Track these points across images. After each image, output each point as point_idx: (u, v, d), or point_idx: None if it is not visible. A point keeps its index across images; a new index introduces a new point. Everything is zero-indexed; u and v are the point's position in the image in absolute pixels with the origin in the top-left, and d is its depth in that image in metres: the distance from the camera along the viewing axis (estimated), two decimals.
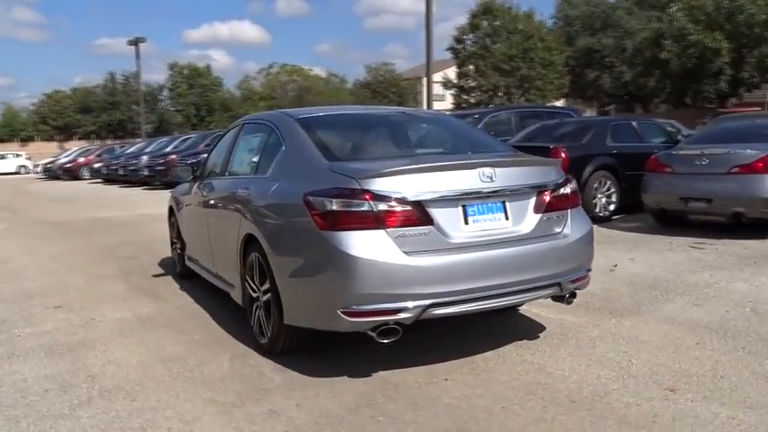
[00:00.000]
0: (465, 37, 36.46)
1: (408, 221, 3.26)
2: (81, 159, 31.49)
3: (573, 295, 3.80)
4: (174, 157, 19.58)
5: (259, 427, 3.00)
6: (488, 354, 3.86)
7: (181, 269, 6.35)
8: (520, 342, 4.04)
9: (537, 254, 3.55)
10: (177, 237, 6.37)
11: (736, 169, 7.42)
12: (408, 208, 3.26)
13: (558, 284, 3.64)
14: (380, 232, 3.22)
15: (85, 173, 29.59)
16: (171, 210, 6.58)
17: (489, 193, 3.48)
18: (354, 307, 3.21)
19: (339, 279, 3.21)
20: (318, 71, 59.79)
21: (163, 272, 6.80)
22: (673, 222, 8.37)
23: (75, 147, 41.89)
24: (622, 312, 4.62)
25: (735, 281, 5.51)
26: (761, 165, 7.29)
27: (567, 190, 3.80)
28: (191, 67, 63.00)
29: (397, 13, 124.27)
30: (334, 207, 3.26)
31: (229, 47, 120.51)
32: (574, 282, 3.74)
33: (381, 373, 3.60)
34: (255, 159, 4.44)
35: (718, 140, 8.21)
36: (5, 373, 3.90)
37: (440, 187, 3.35)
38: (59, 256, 8.23)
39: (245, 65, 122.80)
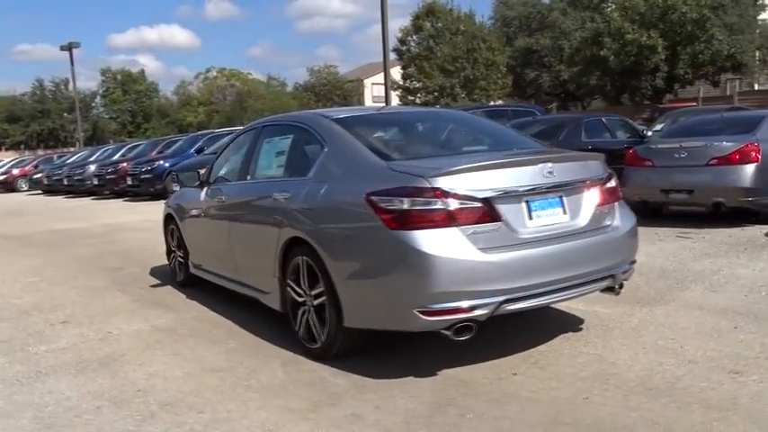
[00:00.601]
0: (409, 38, 36.73)
1: (479, 218, 3.26)
2: (16, 171, 30.19)
3: (621, 286, 3.88)
4: (125, 165, 18.94)
5: None
6: (542, 347, 3.90)
7: (183, 278, 6.15)
8: (566, 335, 4.10)
9: (594, 247, 3.62)
10: (178, 245, 6.16)
11: (714, 161, 7.76)
12: (479, 205, 3.27)
13: (613, 276, 3.72)
14: (454, 230, 3.21)
15: (23, 184, 28.34)
16: (168, 218, 6.36)
17: (549, 188, 3.53)
18: (431, 306, 3.19)
19: (416, 278, 3.18)
20: (258, 75, 58.98)
21: (159, 282, 6.57)
22: (652, 214, 8.67)
23: (3, 158, 39.93)
24: (648, 301, 4.75)
25: (736, 267, 5.75)
26: (738, 156, 7.66)
27: (612, 183, 3.90)
28: (124, 73, 61.08)
29: (329, 15, 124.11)
30: (406, 206, 3.22)
31: (158, 51, 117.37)
32: (624, 273, 3.83)
33: (445, 372, 3.59)
34: (288, 162, 4.35)
35: (692, 134, 8.56)
36: (43, 392, 3.69)
37: (506, 184, 3.37)
38: (34, 270, 7.82)
39: (175, 69, 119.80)
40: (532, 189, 3.46)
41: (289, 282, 4.07)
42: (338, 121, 4.14)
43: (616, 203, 3.89)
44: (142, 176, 17.52)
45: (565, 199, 3.60)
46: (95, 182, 20.29)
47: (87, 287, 6.58)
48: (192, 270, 5.88)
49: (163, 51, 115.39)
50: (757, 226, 7.75)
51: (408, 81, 36.59)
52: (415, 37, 35.96)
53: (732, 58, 27.50)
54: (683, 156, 8.01)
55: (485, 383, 3.40)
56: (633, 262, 3.98)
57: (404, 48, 37.02)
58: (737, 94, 28.58)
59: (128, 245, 9.48)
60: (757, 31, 32.20)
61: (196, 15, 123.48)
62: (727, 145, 7.77)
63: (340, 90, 42.09)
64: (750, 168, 7.57)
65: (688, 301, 4.73)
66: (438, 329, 3.27)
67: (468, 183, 3.27)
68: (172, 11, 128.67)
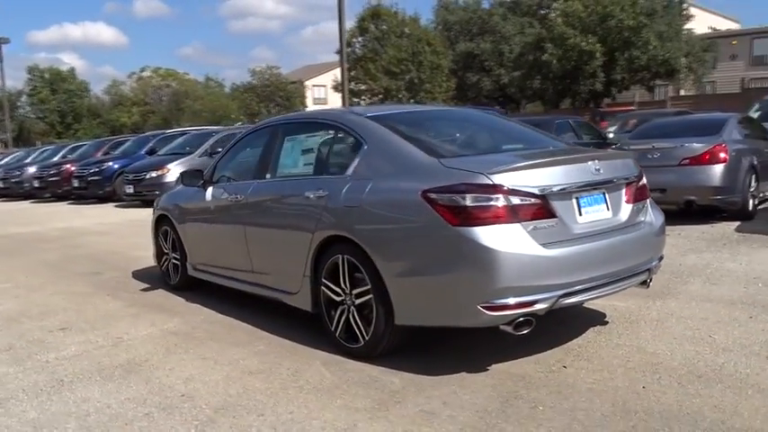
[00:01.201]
0: (354, 40, 36.73)
1: (538, 214, 3.32)
2: None
3: (651, 280, 4.02)
4: (68, 167, 18.16)
5: (429, 428, 2.93)
6: (577, 341, 3.99)
7: (178, 281, 5.96)
8: (595, 328, 4.21)
9: (634, 242, 3.74)
10: (173, 247, 5.97)
11: (686, 161, 8.13)
12: (538, 201, 3.32)
13: (649, 270, 3.86)
14: (516, 226, 3.25)
15: None
16: (161, 220, 6.14)
17: (596, 185, 3.62)
18: (495, 301, 3.22)
19: (481, 274, 3.20)
20: (195, 75, 57.64)
21: (149, 285, 6.34)
22: None
23: None
24: (659, 295, 4.92)
25: (723, 261, 6.05)
26: (708, 156, 8.05)
27: (644, 181, 4.04)
28: (53, 71, 58.47)
29: (262, 16, 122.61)
30: (469, 203, 3.24)
31: (82, 49, 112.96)
32: (656, 267, 3.97)
33: (495, 367, 3.62)
34: (319, 160, 4.29)
35: (662, 136, 8.93)
36: (76, 401, 3.51)
37: (560, 180, 3.44)
38: (2, 276, 7.40)
39: (101, 68, 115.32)
40: (583, 186, 3.54)
41: (324, 281, 4.01)
42: (374, 118, 4.12)
43: (648, 200, 4.03)
44: (90, 178, 16.83)
45: (607, 196, 3.71)
46: (36, 184, 19.35)
47: (71, 293, 6.28)
48: (192, 272, 5.71)
49: (88, 49, 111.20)
50: (724, 223, 8.17)
51: (353, 83, 36.53)
52: (360, 39, 35.99)
53: (666, 63, 28.83)
54: (655, 156, 8.35)
55: (540, 377, 3.45)
56: (661, 257, 4.12)
57: (349, 49, 36.93)
58: (669, 99, 29.96)
59: (94, 249, 9.10)
60: (684, 40, 33.88)
61: (123, 13, 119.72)
62: (697, 146, 8.15)
63: (283, 92, 41.67)
64: (719, 168, 7.97)
65: (694, 294, 4.93)
66: (500, 324, 3.30)
67: (526, 179, 3.32)
68: (98, 8, 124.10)
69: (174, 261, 5.99)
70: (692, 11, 38.33)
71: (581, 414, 2.98)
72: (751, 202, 8.39)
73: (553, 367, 3.58)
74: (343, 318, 3.92)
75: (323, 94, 57.52)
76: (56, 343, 4.63)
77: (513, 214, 3.25)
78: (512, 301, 3.22)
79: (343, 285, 3.88)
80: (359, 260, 3.71)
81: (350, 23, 42.81)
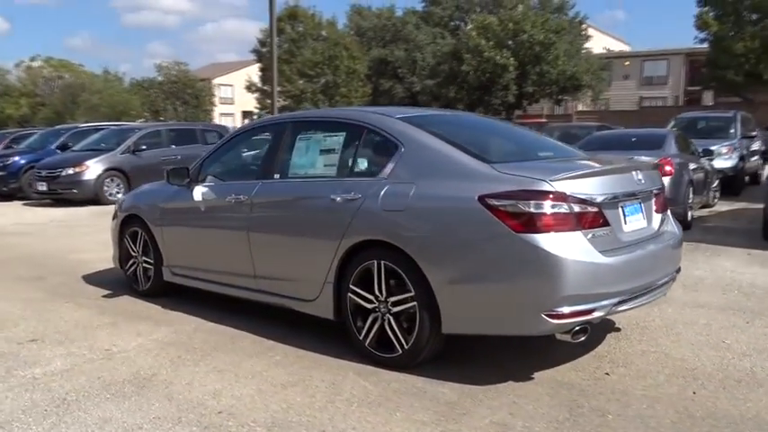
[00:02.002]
0: (269, 40, 35.95)
1: (596, 222, 3.33)
2: None
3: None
4: None
5: None
6: (602, 347, 4.03)
7: (149, 287, 5.53)
8: (612, 335, 4.28)
9: (664, 251, 3.83)
10: (144, 251, 5.53)
11: None
12: (595, 209, 3.33)
13: (674, 278, 3.97)
14: (578, 233, 3.24)
15: None
16: (129, 220, 5.68)
17: (636, 194, 3.68)
18: (559, 309, 3.18)
19: (547, 281, 3.16)
20: (92, 68, 54.40)
21: (110, 291, 5.84)
22: None
23: None
24: (652, 303, 5.06)
25: (688, 269, 6.30)
26: (657, 170, 8.45)
27: (664, 193, 4.16)
28: None
29: (158, 10, 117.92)
30: (534, 209, 3.19)
31: None
32: (675, 277, 4.09)
33: (539, 375, 3.59)
34: (343, 161, 4.09)
35: (608, 149, 9.31)
36: (96, 422, 3.14)
37: (611, 189, 3.47)
38: None
39: None
40: (628, 195, 3.59)
41: (351, 288, 3.84)
42: (405, 120, 4.00)
43: (668, 211, 4.15)
44: None
45: (643, 205, 3.78)
46: None
47: (22, 299, 5.68)
48: (169, 278, 5.32)
49: None
50: None
51: (267, 84, 35.82)
52: (276, 39, 35.25)
53: (573, 79, 30.33)
54: None
55: (588, 384, 3.45)
56: (679, 269, 4.23)
57: (264, 50, 36.24)
58: (575, 113, 31.55)
59: (22, 251, 8.30)
60: (584, 59, 35.80)
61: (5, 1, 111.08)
62: (646, 159, 8.54)
63: (191, 89, 40.15)
64: (667, 181, 8.39)
65: (682, 301, 5.14)
66: (560, 332, 3.27)
67: (584, 187, 3.33)
68: None
69: (146, 265, 5.56)
70: (590, 31, 40.68)
71: (652, 421, 3.00)
72: (690, 213, 8.91)
73: (595, 374, 3.59)
74: (376, 326, 3.75)
75: (230, 94, 56.08)
76: (33, 356, 4.15)
77: (575, 222, 3.24)
78: (574, 308, 3.20)
79: (377, 292, 3.72)
80: (401, 266, 3.57)
81: (264, 23, 42.10)
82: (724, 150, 12.26)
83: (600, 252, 3.28)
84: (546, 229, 3.18)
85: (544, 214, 3.19)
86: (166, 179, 5.11)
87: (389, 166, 3.80)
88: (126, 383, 3.64)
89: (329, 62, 34.50)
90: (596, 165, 3.72)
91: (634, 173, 3.68)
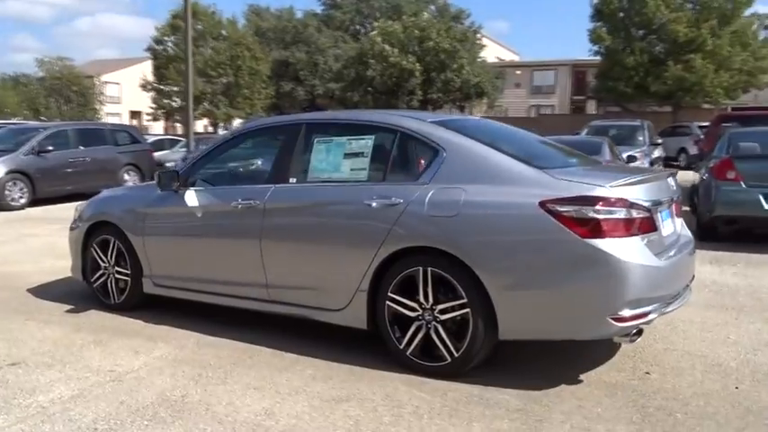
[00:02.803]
0: (166, 38, 34.47)
1: (649, 227, 3.41)
2: None
3: None
4: None
5: None
6: (628, 348, 4.12)
7: (123, 300, 5.10)
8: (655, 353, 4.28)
9: (689, 255, 3.98)
10: (120, 261, 5.09)
11: None
12: (648, 214, 3.41)
13: (693, 280, 4.15)
14: (637, 238, 3.31)
15: None
16: (99, 228, 5.21)
17: (667, 200, 3.82)
18: (623, 312, 3.23)
19: (613, 285, 3.21)
20: None
21: (72, 306, 5.30)
22: None
23: None
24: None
25: None
26: None
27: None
28: None
29: (26, 0, 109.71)
30: (599, 215, 3.23)
31: None
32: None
33: (585, 377, 3.64)
34: (376, 165, 3.95)
35: None
36: None
37: (656, 195, 3.57)
38: None
39: None
40: (665, 201, 3.72)
41: (391, 296, 3.72)
42: (442, 124, 3.94)
43: (681, 219, 4.33)
44: None
45: (669, 210, 3.93)
46: None
47: None
48: (152, 289, 4.93)
49: None
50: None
51: (164, 83, 34.32)
52: (173, 37, 33.85)
53: (477, 86, 31.33)
54: None
55: (636, 384, 3.53)
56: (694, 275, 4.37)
57: (160, 47, 34.65)
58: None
59: None
60: (480, 67, 37.09)
61: None
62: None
63: (77, 86, 37.60)
64: None
65: None
66: (621, 335, 3.32)
67: (638, 193, 3.41)
68: None
69: (120, 276, 5.11)
70: (484, 41, 42.23)
71: (719, 418, 3.11)
72: None
73: (637, 374, 3.69)
74: (420, 335, 3.65)
75: (117, 92, 53.12)
76: (25, 382, 3.70)
77: (634, 227, 3.31)
78: (635, 311, 3.27)
79: (421, 300, 3.63)
80: (451, 273, 3.50)
81: (161, 20, 40.20)
82: (637, 156, 13.07)
83: (654, 256, 3.36)
84: (610, 234, 3.23)
85: (609, 220, 3.24)
86: (158, 183, 4.73)
87: (431, 171, 3.71)
88: (157, 407, 3.32)
89: (231, 62, 33.51)
90: (638, 172, 3.80)
91: (669, 179, 3.81)
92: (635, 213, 3.32)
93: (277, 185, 4.25)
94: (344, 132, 4.19)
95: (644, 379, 3.62)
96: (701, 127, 21.22)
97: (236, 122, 33.05)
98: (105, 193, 5.66)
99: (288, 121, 4.57)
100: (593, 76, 31.28)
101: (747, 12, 25.95)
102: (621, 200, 3.29)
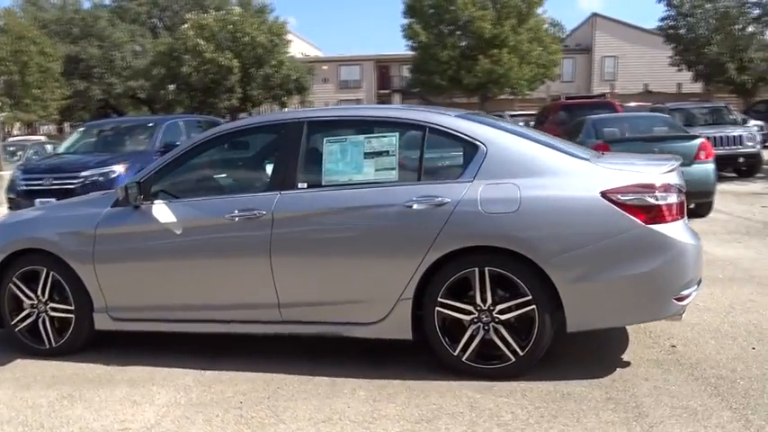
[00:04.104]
0: None
1: (684, 211, 3.60)
2: None
3: None
4: None
5: (717, 420, 2.96)
6: (633, 328, 4.33)
7: (66, 342, 4.26)
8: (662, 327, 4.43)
9: None
10: (56, 296, 4.25)
11: None
12: (683, 199, 3.59)
13: None
14: (681, 222, 3.48)
15: None
16: (12, 261, 4.29)
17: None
18: (683, 292, 3.40)
19: (677, 267, 3.35)
20: None
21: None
22: None
23: None
24: None
25: None
26: None
27: None
28: None
29: None
30: (659, 201, 3.34)
31: None
32: None
33: (627, 358, 3.77)
34: (407, 164, 3.70)
35: None
36: None
37: (681, 181, 3.76)
38: None
39: None
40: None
41: (442, 301, 3.53)
42: (467, 118, 3.81)
43: None
44: None
45: None
46: None
47: None
48: (108, 325, 4.19)
49: None
50: None
51: None
52: None
53: (297, 81, 31.00)
54: None
55: (675, 359, 3.74)
56: None
57: None
58: None
59: None
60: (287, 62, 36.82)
61: None
62: None
63: None
64: None
65: None
66: (680, 313, 3.47)
67: (676, 179, 3.58)
68: None
69: (58, 314, 4.26)
70: (289, 36, 42.05)
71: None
72: None
73: (666, 349, 3.90)
74: (477, 338, 3.51)
75: None
76: None
77: (680, 211, 3.48)
78: (689, 291, 3.45)
79: (478, 302, 3.49)
80: (513, 270, 3.42)
81: None
82: None
83: (693, 238, 3.56)
84: (669, 218, 3.37)
85: (666, 205, 3.37)
86: (124, 198, 3.99)
87: (473, 167, 3.57)
88: None
89: (14, 58, 29.58)
90: (665, 159, 3.94)
91: (681, 168, 4.03)
92: (680, 197, 3.49)
93: (283, 192, 3.81)
94: (359, 130, 3.88)
95: (675, 352, 3.84)
96: (512, 116, 23.13)
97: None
98: (22, 214, 4.68)
99: (282, 120, 4.10)
100: (409, 71, 32.57)
101: (539, 10, 28.78)
102: (671, 185, 3.43)
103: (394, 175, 3.70)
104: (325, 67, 50.00)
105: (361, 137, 3.83)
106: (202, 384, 3.71)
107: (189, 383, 3.73)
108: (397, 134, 3.76)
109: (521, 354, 3.47)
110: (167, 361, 4.07)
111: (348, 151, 3.82)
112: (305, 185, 3.83)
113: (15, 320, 4.35)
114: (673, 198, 3.41)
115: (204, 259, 3.94)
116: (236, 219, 3.82)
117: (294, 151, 3.89)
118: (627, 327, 4.22)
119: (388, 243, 3.61)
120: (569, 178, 3.47)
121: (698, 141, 8.26)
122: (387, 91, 49.72)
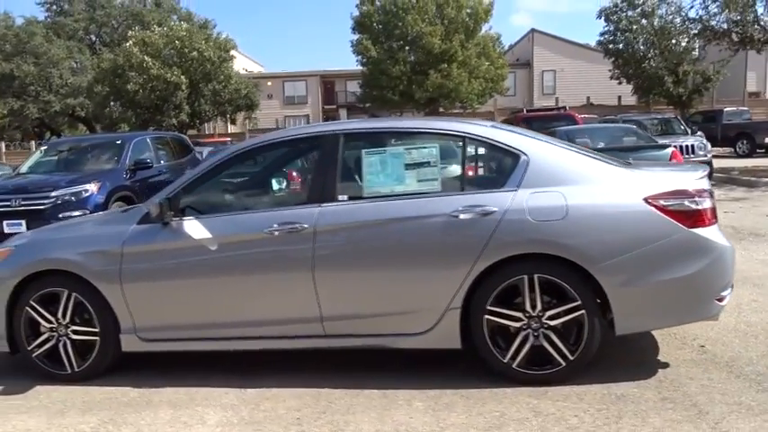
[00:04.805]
0: None
1: (717, 216, 3.77)
2: None
3: None
4: None
5: None
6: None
7: (89, 366, 4.10)
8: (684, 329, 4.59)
9: None
10: (77, 319, 4.10)
11: None
12: (715, 204, 3.76)
13: None
14: (716, 225, 3.65)
15: None
16: (28, 283, 4.12)
17: None
18: (722, 293, 3.56)
19: (719, 269, 3.51)
20: None
21: (19, 386, 4.14)
22: None
23: None
24: None
25: None
26: None
27: None
28: None
29: None
30: (700, 206, 3.50)
31: None
32: None
33: (662, 358, 3.90)
34: (450, 174, 3.76)
35: None
36: None
37: (710, 188, 3.93)
38: None
39: None
40: None
41: (491, 309, 3.59)
42: (500, 128, 3.90)
43: None
44: None
45: None
46: None
47: None
48: (137, 347, 4.06)
49: None
50: None
51: None
52: None
53: (247, 97, 30.67)
54: None
55: (706, 358, 3.88)
56: None
57: None
58: (248, 131, 31.98)
59: None
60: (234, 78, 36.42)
61: None
62: None
63: None
64: None
65: None
66: (718, 314, 3.63)
67: (707, 186, 3.74)
68: None
69: (80, 337, 4.10)
70: (232, 52, 41.66)
71: None
72: None
73: (695, 349, 4.05)
74: (528, 344, 3.58)
75: None
76: None
77: (714, 215, 3.64)
78: (728, 291, 3.61)
79: (527, 308, 3.56)
80: (562, 276, 3.51)
81: None
82: None
83: (728, 241, 3.74)
84: (708, 222, 3.53)
85: (707, 209, 3.53)
86: (159, 214, 3.88)
87: (515, 176, 3.65)
88: None
89: None
90: (697, 166, 4.11)
91: None
92: (713, 202, 3.66)
93: (323, 205, 3.79)
94: (398, 142, 3.91)
95: (706, 352, 3.99)
96: None
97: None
98: (38, 234, 4.49)
99: (317, 133, 4.08)
100: (360, 86, 32.68)
101: (485, 27, 29.52)
102: (706, 190, 3.60)
103: (437, 185, 3.75)
104: (269, 83, 49.67)
105: (401, 148, 3.86)
106: (248, 402, 3.63)
107: (233, 402, 3.65)
108: (437, 145, 3.81)
109: (571, 358, 3.56)
110: (200, 381, 3.97)
111: (388, 163, 3.84)
112: (345, 198, 3.83)
113: (32, 345, 4.16)
114: (708, 203, 3.57)
115: (241, 275, 3.87)
116: (276, 233, 3.78)
117: (332, 164, 3.88)
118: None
119: (435, 253, 3.64)
120: (611, 185, 3.59)
121: (669, 150, 8.64)
122: (333, 106, 49.83)
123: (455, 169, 3.82)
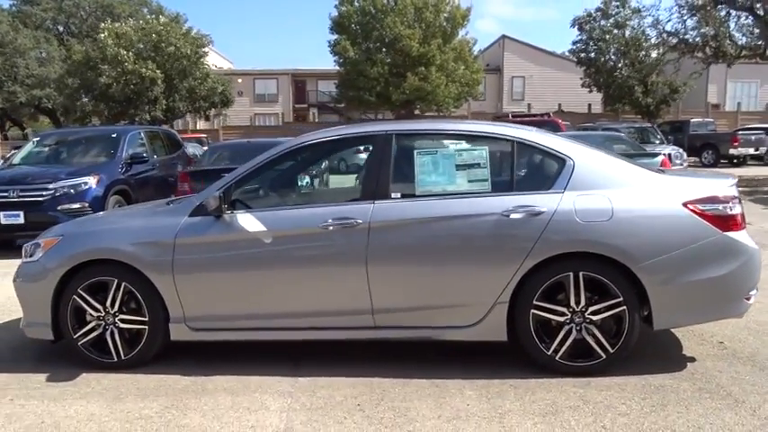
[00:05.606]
0: None
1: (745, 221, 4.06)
2: None
3: None
4: None
5: None
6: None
7: (137, 354, 4.19)
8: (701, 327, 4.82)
9: None
10: (125, 308, 4.18)
11: None
12: (744, 210, 4.04)
13: None
14: (745, 230, 3.94)
15: None
16: (75, 272, 4.19)
17: None
18: (751, 293, 3.85)
19: (749, 270, 3.79)
20: None
21: (67, 373, 4.18)
22: None
23: None
24: None
25: None
26: None
27: None
28: None
29: None
30: (734, 211, 3.78)
31: None
32: None
33: (690, 354, 4.17)
34: (500, 176, 3.96)
35: None
36: None
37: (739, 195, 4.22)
38: None
39: None
40: None
41: (537, 304, 3.81)
42: (546, 133, 4.14)
43: None
44: None
45: None
46: None
47: None
48: (186, 336, 4.16)
49: None
50: None
51: None
52: None
53: (222, 94, 30.45)
54: None
55: (728, 353, 4.18)
56: None
57: None
58: (221, 128, 31.77)
59: None
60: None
61: None
62: None
63: None
64: None
65: None
66: (744, 312, 3.91)
67: (737, 193, 4.02)
68: None
69: (128, 326, 4.18)
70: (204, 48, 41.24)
71: None
72: None
73: (715, 346, 4.33)
74: (571, 338, 3.81)
75: None
76: None
77: (743, 220, 3.93)
78: (754, 291, 3.91)
79: (572, 304, 3.79)
80: (605, 274, 3.74)
81: None
82: None
83: (756, 244, 4.03)
84: (740, 227, 3.82)
85: (738, 214, 3.81)
86: (217, 207, 3.99)
87: (562, 179, 3.88)
88: None
89: None
90: (724, 175, 4.39)
91: None
92: (742, 208, 3.94)
93: (377, 201, 3.96)
94: (449, 143, 4.10)
95: (726, 348, 4.29)
96: None
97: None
98: (87, 224, 4.54)
99: (370, 132, 4.24)
100: (336, 86, 32.71)
101: (462, 32, 29.91)
102: (736, 197, 3.89)
103: (487, 185, 3.95)
104: (240, 80, 49.25)
105: (452, 149, 4.06)
106: (304, 390, 3.77)
107: (289, 390, 3.79)
108: (487, 147, 4.02)
109: (611, 351, 3.80)
110: (247, 369, 4.09)
111: (440, 163, 4.03)
112: (398, 195, 4.00)
113: (78, 334, 4.22)
114: (739, 208, 3.86)
115: (294, 267, 4.01)
116: (331, 228, 3.93)
117: (385, 162, 4.05)
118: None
119: (486, 250, 3.84)
120: (651, 190, 3.85)
121: (659, 158, 9.03)
122: (304, 105, 49.73)
123: (504, 171, 4.02)
